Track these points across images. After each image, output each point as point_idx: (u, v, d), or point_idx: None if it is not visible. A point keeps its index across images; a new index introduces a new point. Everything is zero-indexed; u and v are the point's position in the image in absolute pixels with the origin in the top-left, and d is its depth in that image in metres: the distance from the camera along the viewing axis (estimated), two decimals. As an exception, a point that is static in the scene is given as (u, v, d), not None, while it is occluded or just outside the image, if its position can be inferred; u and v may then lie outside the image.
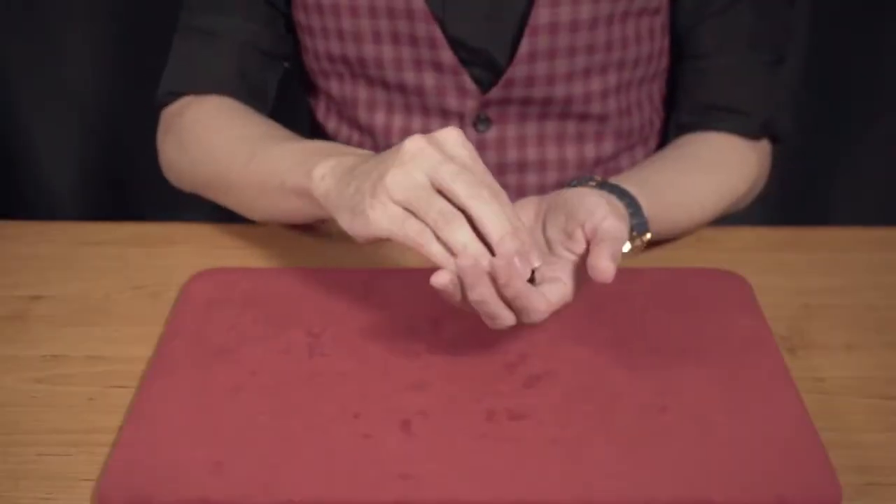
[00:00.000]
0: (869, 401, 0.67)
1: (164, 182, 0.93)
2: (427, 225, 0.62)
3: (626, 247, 0.74)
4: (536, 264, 0.62)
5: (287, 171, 0.73)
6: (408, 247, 0.63)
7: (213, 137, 0.84)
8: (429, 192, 0.62)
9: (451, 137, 0.64)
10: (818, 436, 0.62)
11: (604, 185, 0.74)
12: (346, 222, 0.66)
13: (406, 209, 0.63)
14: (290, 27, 0.93)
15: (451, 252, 0.61)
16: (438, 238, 0.62)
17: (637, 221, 0.73)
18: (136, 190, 0.90)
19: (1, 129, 1.36)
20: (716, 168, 0.87)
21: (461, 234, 0.61)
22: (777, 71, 0.91)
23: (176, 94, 0.90)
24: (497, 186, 0.63)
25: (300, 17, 0.91)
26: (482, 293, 0.60)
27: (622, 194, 0.73)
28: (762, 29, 0.89)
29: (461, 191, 0.61)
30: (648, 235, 0.75)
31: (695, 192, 0.84)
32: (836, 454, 0.61)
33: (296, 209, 0.76)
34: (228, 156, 0.81)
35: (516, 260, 0.60)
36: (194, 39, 0.90)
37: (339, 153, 0.71)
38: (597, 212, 0.65)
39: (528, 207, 0.70)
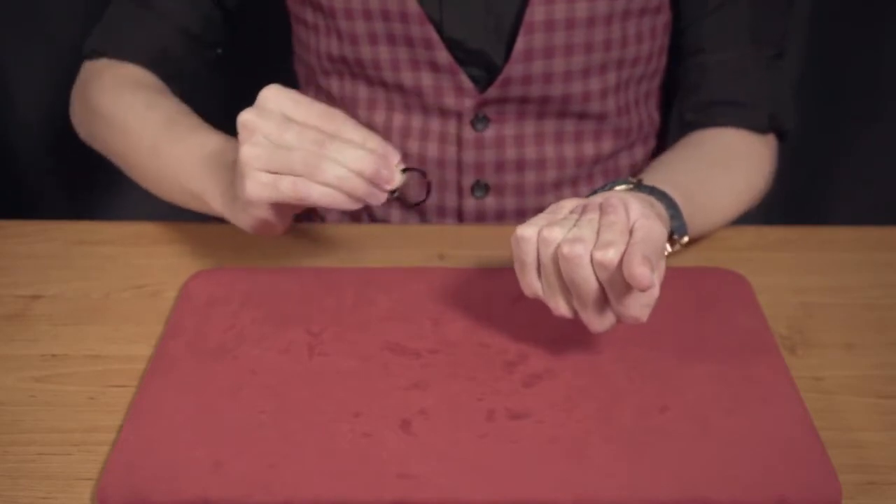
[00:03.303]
0: (868, 400, 0.67)
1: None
2: (299, 175, 0.66)
3: (667, 249, 0.72)
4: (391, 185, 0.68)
5: (185, 176, 0.78)
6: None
7: (120, 113, 0.86)
8: (282, 149, 0.66)
9: (270, 96, 0.68)
10: (818, 435, 0.62)
11: (641, 188, 0.73)
12: (238, 221, 0.73)
13: (273, 173, 0.67)
14: (229, 20, 0.95)
15: (336, 187, 0.66)
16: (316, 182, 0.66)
17: (677, 224, 0.72)
18: (135, 190, 0.90)
19: (1, 129, 1.36)
20: (736, 167, 0.86)
21: (333, 171, 0.66)
22: (778, 65, 0.90)
23: (99, 53, 0.93)
24: (333, 113, 0.68)
25: (307, 15, 0.92)
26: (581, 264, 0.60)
27: (661, 196, 0.72)
28: (762, 24, 0.89)
29: (307, 147, 0.66)
30: (686, 238, 0.74)
31: (721, 192, 0.83)
32: (836, 453, 0.61)
33: (191, 202, 0.80)
34: (133, 138, 0.84)
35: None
36: (129, 7, 0.92)
37: (229, 163, 0.74)
38: (632, 209, 0.63)
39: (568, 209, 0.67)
